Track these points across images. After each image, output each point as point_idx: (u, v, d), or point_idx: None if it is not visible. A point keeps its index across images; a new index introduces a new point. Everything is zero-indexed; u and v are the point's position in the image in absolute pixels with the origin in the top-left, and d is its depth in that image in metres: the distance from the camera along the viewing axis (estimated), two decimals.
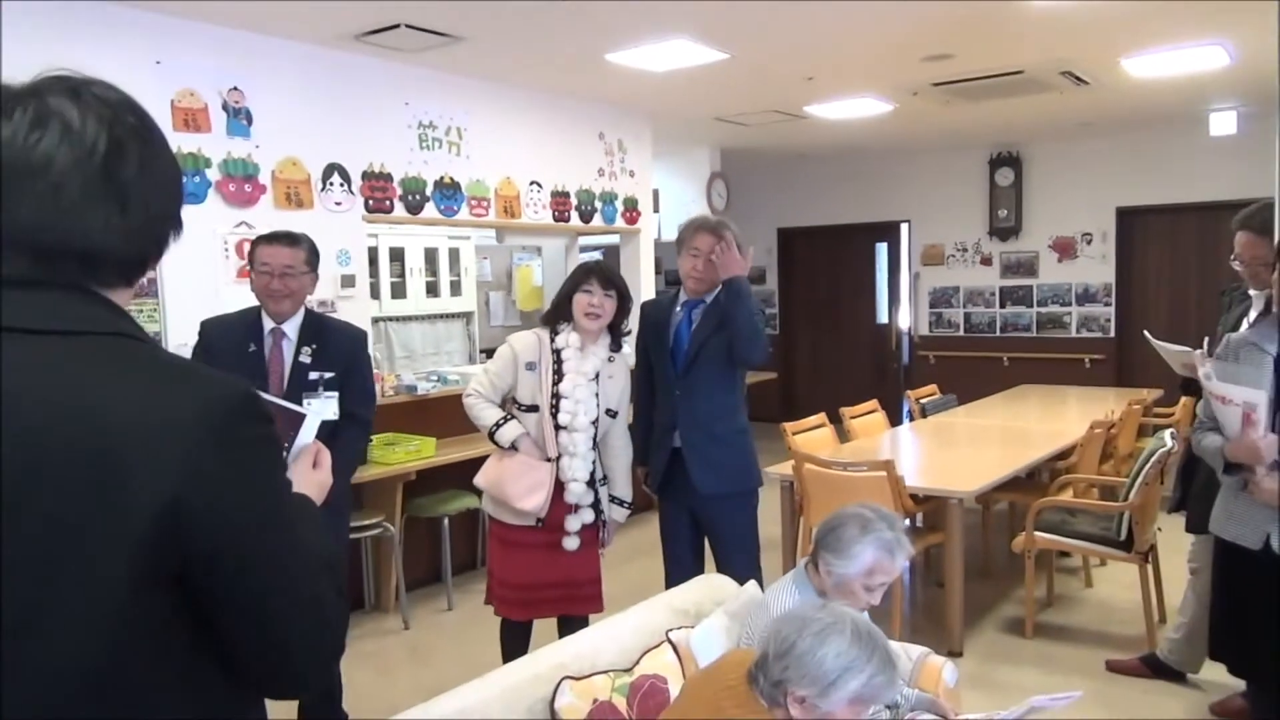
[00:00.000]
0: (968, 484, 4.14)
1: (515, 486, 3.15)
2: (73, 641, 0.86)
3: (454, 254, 7.61)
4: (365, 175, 4.90)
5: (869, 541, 2.27)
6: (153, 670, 0.92)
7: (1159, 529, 4.29)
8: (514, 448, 3.17)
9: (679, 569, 3.47)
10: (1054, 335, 8.68)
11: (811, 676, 1.70)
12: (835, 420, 5.35)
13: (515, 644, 3.26)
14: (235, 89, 4.32)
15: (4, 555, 0.85)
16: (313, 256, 3.11)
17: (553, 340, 3.18)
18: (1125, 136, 8.10)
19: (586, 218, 6.33)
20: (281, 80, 4.51)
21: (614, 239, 7.28)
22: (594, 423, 3.17)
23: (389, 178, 5.02)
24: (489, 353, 7.52)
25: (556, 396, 3.13)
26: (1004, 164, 8.72)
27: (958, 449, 5.25)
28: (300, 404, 2.92)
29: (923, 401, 6.30)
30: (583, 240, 7.57)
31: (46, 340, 0.92)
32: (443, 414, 4.81)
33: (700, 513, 3.50)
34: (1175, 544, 3.96)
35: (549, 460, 3.14)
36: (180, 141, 4.13)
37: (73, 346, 0.93)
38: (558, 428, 3.14)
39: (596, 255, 7.89)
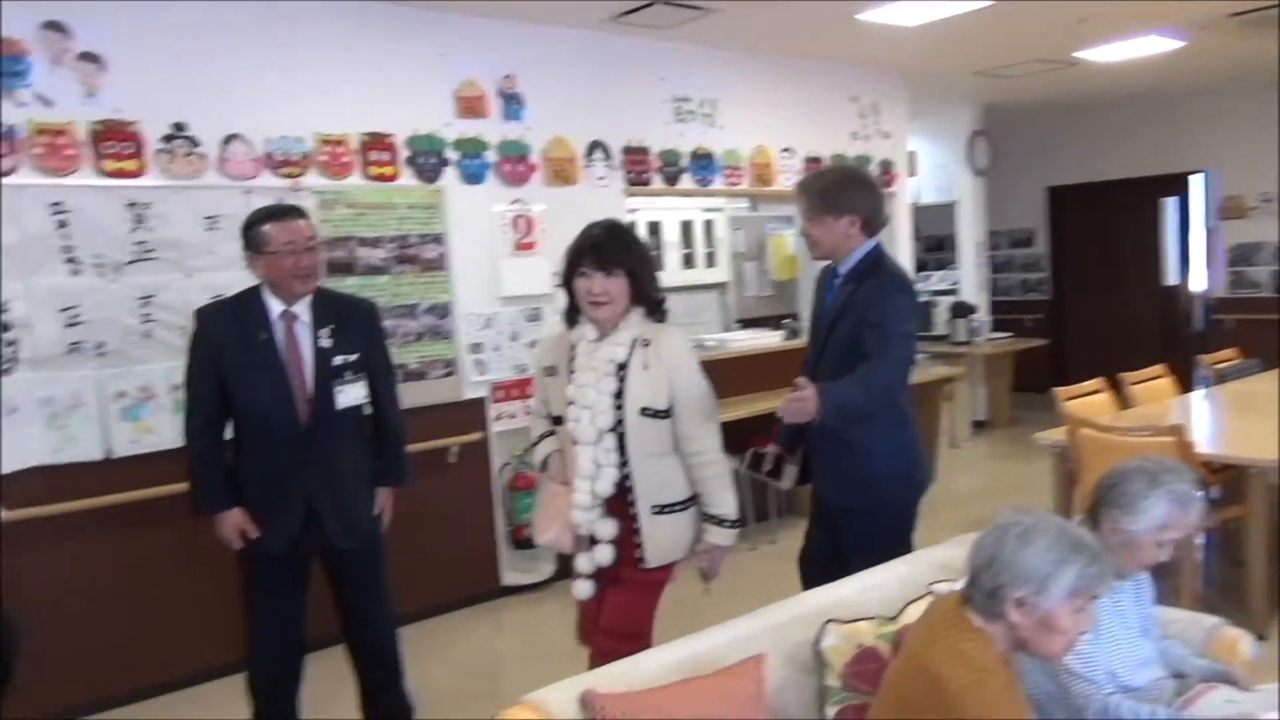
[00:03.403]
0: (1273, 452, 3.74)
1: (538, 516, 2.70)
2: None
3: (709, 226, 7.77)
4: (625, 150, 5.13)
5: (1160, 495, 2.14)
6: None
7: None
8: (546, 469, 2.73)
9: (810, 559, 3.14)
10: None
11: (1025, 576, 1.70)
12: (1115, 388, 5.00)
13: None
14: (509, 76, 4.66)
15: None
16: None
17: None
18: None
19: None
20: (550, 65, 4.81)
21: None
22: (615, 430, 2.52)
23: (647, 151, 5.22)
24: (744, 322, 7.71)
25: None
26: None
27: (1260, 416, 4.73)
28: (331, 395, 2.86)
29: (1219, 367, 5.73)
30: None
31: None
32: None
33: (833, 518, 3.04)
34: None
35: (564, 483, 2.61)
36: (463, 128, 4.52)
37: None
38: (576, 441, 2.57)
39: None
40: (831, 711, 2.11)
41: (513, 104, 4.68)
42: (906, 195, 6.85)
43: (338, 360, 2.88)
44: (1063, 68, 6.53)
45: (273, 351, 2.82)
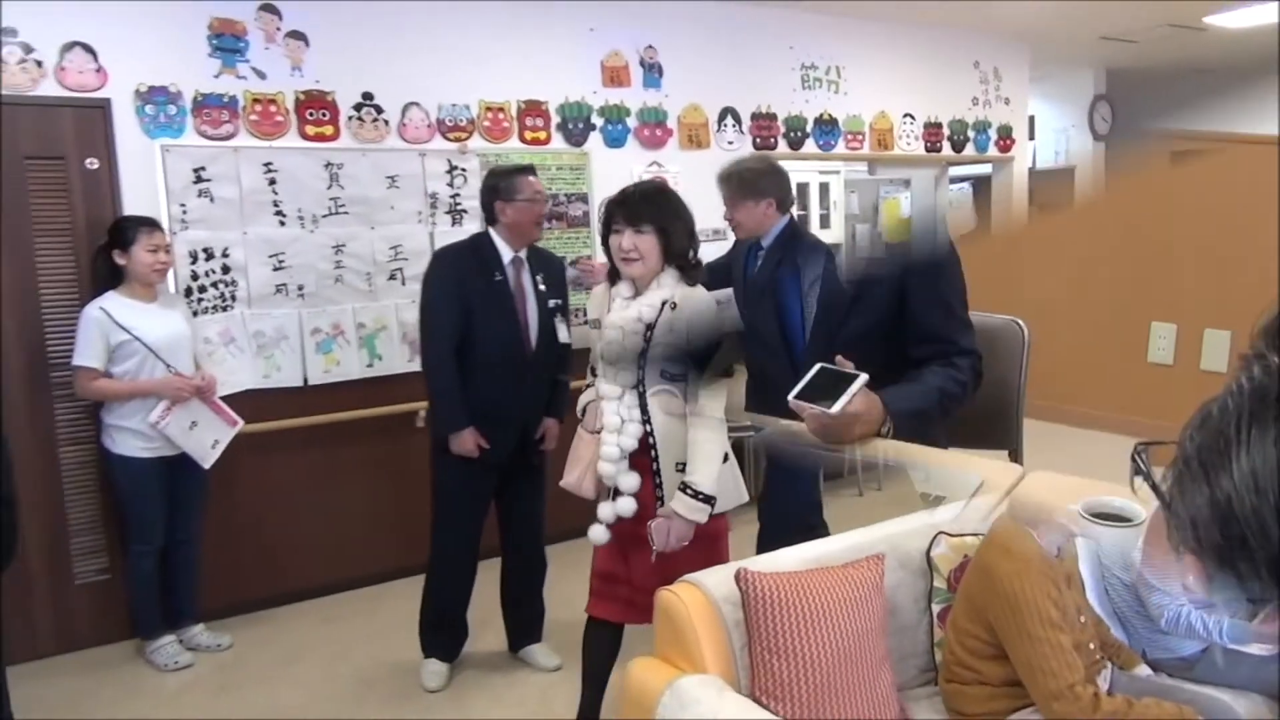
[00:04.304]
0: None
1: (568, 460, 2.77)
2: None
3: (824, 188, 8.00)
4: (754, 116, 5.48)
5: None
6: None
7: None
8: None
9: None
10: None
11: None
12: None
13: (596, 653, 2.86)
14: (650, 47, 5.06)
15: None
16: None
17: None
18: None
19: (958, 147, 6.46)
20: (687, 35, 5.18)
21: (986, 169, 7.30)
22: (636, 389, 2.58)
23: (774, 117, 5.56)
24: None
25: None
26: None
27: None
28: (549, 332, 3.34)
29: None
30: (953, 171, 7.65)
31: None
32: None
33: None
34: None
35: (594, 432, 2.67)
36: (608, 96, 4.94)
37: None
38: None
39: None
40: (937, 609, 2.50)
41: (652, 73, 5.07)
42: (1024, 161, 6.98)
43: (551, 303, 3.36)
44: (1191, 31, 6.54)
45: (508, 292, 3.27)
